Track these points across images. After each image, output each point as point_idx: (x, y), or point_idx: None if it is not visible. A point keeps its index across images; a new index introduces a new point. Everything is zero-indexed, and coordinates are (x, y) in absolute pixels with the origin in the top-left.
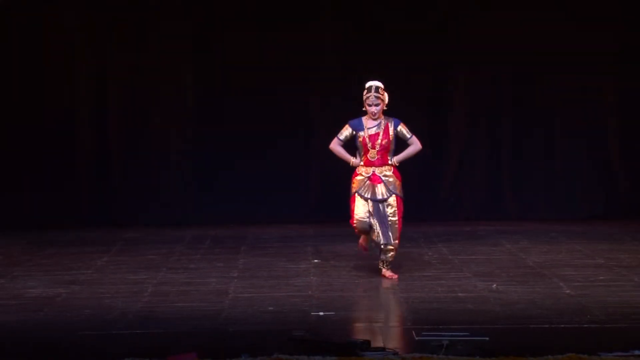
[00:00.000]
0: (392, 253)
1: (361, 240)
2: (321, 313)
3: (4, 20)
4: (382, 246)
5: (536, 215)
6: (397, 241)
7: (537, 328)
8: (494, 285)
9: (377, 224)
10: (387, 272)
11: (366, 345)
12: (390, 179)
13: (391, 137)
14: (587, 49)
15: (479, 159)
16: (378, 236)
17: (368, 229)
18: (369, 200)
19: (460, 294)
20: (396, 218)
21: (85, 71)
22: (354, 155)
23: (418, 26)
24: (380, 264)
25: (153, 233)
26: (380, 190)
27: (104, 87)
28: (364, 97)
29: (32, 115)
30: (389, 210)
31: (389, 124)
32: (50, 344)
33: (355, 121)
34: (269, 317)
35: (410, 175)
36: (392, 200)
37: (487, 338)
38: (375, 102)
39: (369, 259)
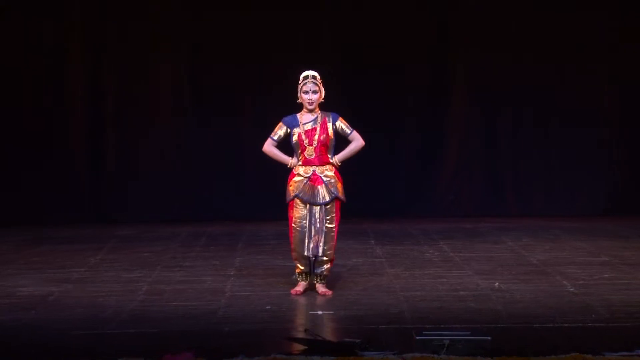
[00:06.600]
0: (327, 266)
1: (298, 286)
2: (320, 312)
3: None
4: (315, 258)
5: (538, 211)
6: (332, 251)
7: (540, 327)
8: (496, 283)
9: (310, 233)
10: (320, 288)
11: (365, 344)
12: (332, 180)
13: (330, 133)
14: (589, 43)
15: (479, 154)
16: (310, 248)
17: (304, 239)
18: (308, 205)
19: (461, 293)
20: (333, 225)
21: (79, 68)
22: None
23: (417, 18)
24: (315, 278)
25: (147, 230)
26: (322, 192)
27: (98, 84)
28: (300, 86)
29: (24, 112)
30: (327, 216)
31: (327, 119)
32: (42, 344)
33: (289, 118)
34: (267, 316)
35: (408, 171)
36: (332, 204)
37: (489, 337)
38: (312, 89)
39: (369, 257)
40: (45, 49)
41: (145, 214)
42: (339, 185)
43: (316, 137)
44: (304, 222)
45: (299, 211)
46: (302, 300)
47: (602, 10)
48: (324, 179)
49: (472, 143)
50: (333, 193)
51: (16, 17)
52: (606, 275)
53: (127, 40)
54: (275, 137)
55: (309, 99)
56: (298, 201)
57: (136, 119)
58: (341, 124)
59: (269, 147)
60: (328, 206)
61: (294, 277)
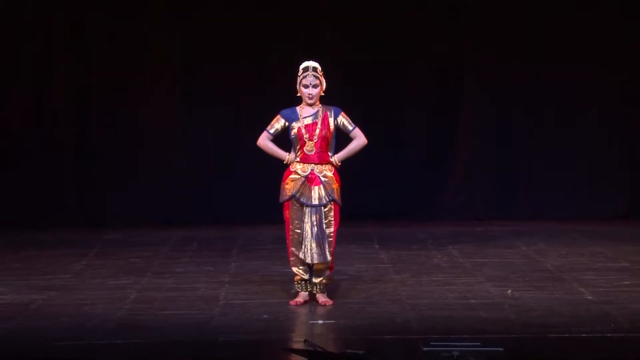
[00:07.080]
0: (327, 273)
1: (298, 297)
2: (320, 321)
3: None
4: (313, 265)
5: (554, 214)
6: (331, 258)
7: (556, 337)
8: (509, 290)
9: (308, 237)
10: (321, 297)
11: (369, 356)
12: (330, 182)
13: (331, 128)
14: (603, 41)
15: (491, 154)
16: (308, 253)
17: (302, 242)
18: (304, 207)
19: (472, 301)
20: (332, 229)
21: (64, 69)
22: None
23: (424, 16)
24: (314, 288)
25: (136, 234)
26: (318, 193)
27: (84, 84)
28: (299, 79)
29: (10, 112)
30: (325, 220)
31: (328, 113)
32: (24, 355)
33: (287, 111)
34: (263, 326)
35: (415, 171)
36: (330, 207)
37: (502, 348)
38: (313, 82)
39: (373, 262)
40: (44, 49)
41: (135, 216)
42: (336, 187)
43: (317, 132)
44: (302, 224)
45: (296, 212)
46: (301, 309)
47: (602, 10)
48: (322, 179)
49: (483, 142)
50: (330, 195)
51: (16, 17)
52: (626, 282)
53: (126, 40)
54: (272, 131)
55: (308, 94)
56: (295, 201)
57: (124, 117)
58: (343, 119)
59: (264, 141)
60: (326, 209)
61: (293, 290)
